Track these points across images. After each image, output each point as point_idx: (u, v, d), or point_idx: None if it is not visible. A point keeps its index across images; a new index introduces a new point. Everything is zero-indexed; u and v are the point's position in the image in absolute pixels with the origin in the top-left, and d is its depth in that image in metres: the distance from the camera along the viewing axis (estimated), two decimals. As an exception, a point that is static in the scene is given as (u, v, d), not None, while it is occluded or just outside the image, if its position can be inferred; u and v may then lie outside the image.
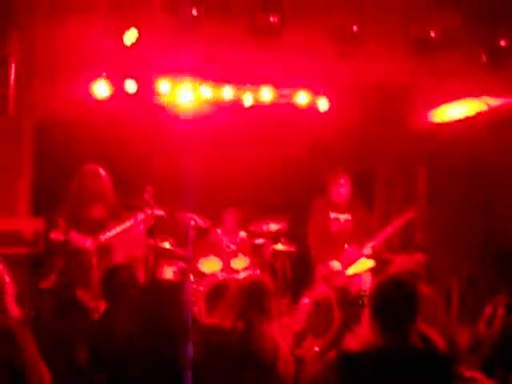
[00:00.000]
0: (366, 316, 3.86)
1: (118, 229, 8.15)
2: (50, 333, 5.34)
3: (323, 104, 9.90)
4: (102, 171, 8.17)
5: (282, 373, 4.52)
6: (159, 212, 8.50)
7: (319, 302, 5.31)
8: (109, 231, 8.11)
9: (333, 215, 8.50)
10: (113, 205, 8.19)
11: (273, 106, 9.80)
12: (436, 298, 5.39)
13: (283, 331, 4.80)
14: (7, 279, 4.44)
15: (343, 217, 8.53)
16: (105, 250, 7.97)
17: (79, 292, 5.85)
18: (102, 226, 8.11)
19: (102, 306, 6.14)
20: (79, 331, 5.50)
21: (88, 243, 7.95)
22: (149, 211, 8.29)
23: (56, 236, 9.03)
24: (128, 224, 8.22)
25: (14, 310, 4.41)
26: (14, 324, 4.32)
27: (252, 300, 4.58)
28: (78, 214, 8.05)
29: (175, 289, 4.62)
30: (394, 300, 3.75)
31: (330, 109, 9.86)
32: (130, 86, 9.33)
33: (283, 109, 9.90)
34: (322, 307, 5.27)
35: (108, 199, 8.16)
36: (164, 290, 4.58)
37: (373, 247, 8.45)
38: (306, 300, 5.80)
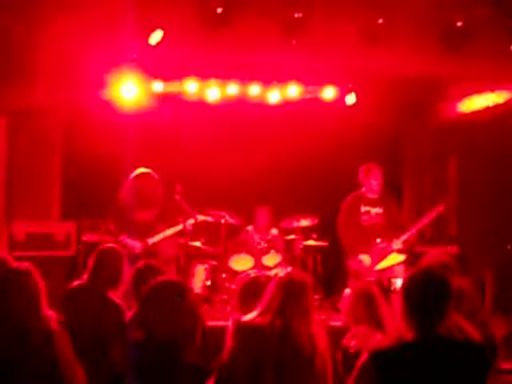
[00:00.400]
0: (398, 309, 3.82)
1: (167, 233, 8.24)
2: (83, 332, 5.35)
3: (351, 98, 9.85)
4: (153, 175, 8.24)
5: (319, 370, 4.49)
6: (205, 217, 8.58)
7: (361, 293, 5.26)
8: (157, 235, 8.20)
9: (364, 209, 8.45)
10: (163, 209, 8.26)
11: (300, 102, 9.76)
12: (472, 290, 5.33)
13: (320, 327, 4.75)
14: (41, 283, 4.46)
15: (374, 210, 8.47)
16: (151, 253, 8.06)
17: (111, 291, 5.86)
18: (150, 230, 8.20)
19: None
20: (113, 330, 5.53)
21: (137, 246, 8.06)
22: (198, 216, 8.36)
23: (88, 238, 9.15)
24: (177, 229, 8.30)
25: (51, 313, 4.43)
26: (51, 326, 4.35)
27: (290, 296, 4.54)
28: (128, 217, 8.14)
29: (182, 289, 4.56)
30: (427, 291, 3.69)
31: (358, 102, 9.80)
32: (158, 86, 9.36)
33: (310, 104, 9.86)
34: (364, 298, 5.22)
35: (158, 203, 8.23)
36: (169, 290, 4.51)
37: (404, 241, 8.40)
38: (347, 291, 5.77)
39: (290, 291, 4.55)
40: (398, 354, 3.66)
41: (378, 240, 8.32)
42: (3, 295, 4.36)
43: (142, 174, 8.27)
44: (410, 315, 3.71)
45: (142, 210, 8.19)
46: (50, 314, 4.41)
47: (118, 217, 8.18)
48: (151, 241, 8.19)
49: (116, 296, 5.88)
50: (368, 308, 5.14)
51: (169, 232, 8.28)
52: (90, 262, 6.05)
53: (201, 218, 8.48)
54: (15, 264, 4.60)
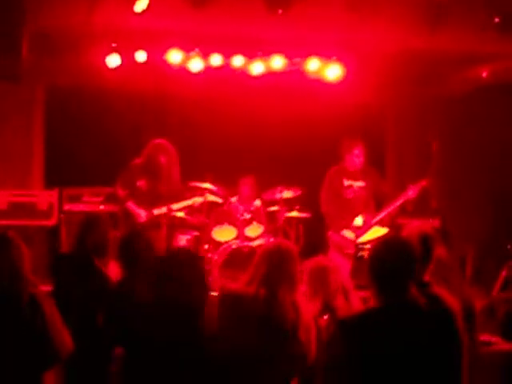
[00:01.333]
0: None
1: (174, 207, 8.35)
2: (68, 299, 5.39)
3: (335, 71, 9.81)
4: (171, 147, 8.26)
5: (303, 340, 4.52)
6: (215, 199, 8.75)
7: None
8: (163, 207, 8.23)
9: (346, 182, 8.49)
10: (175, 182, 8.29)
11: (284, 73, 9.72)
12: (451, 261, 5.37)
13: (304, 298, 4.78)
14: (25, 250, 4.48)
15: (357, 184, 8.50)
16: (155, 223, 8.11)
17: (97, 259, 5.89)
18: (158, 201, 8.26)
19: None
20: (98, 298, 5.55)
21: (142, 215, 8.13)
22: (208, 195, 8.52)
23: (70, 207, 9.15)
24: (184, 204, 8.38)
25: (34, 279, 4.45)
26: (36, 291, 4.37)
27: (275, 265, 4.56)
28: (140, 185, 8.21)
29: (194, 257, 4.60)
30: (387, 261, 3.71)
31: (345, 76, 9.77)
32: (141, 56, 9.30)
33: (295, 77, 9.83)
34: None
35: (172, 176, 8.29)
36: (183, 258, 4.56)
37: (386, 215, 8.45)
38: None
39: (275, 260, 4.57)
40: (363, 321, 3.69)
41: (360, 217, 8.37)
42: None
43: (160, 144, 8.29)
44: (374, 283, 3.73)
45: (155, 180, 8.26)
46: (34, 280, 4.44)
47: (128, 183, 8.25)
48: (157, 212, 8.27)
49: (102, 264, 5.91)
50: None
51: (175, 206, 8.35)
52: (77, 230, 6.08)
53: (211, 197, 8.56)
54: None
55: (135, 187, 8.28)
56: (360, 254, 7.76)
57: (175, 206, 8.40)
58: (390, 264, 3.70)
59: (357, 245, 7.91)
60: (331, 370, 3.93)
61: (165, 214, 8.47)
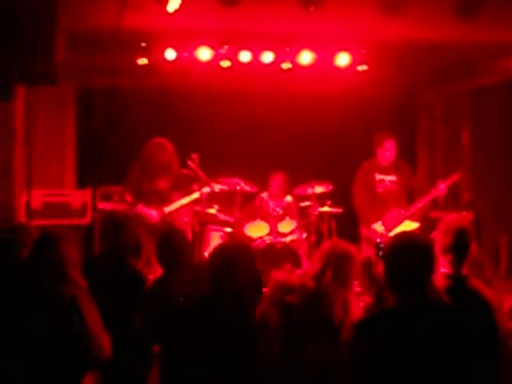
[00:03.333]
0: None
1: (183, 201, 8.29)
2: (104, 300, 5.41)
3: (365, 66, 9.79)
4: (168, 144, 8.27)
5: (346, 340, 4.50)
6: (222, 186, 8.64)
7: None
8: (173, 203, 8.26)
9: (378, 177, 8.47)
10: (178, 177, 8.31)
11: (314, 68, 9.72)
12: (482, 256, 5.35)
13: (357, 301, 4.78)
14: (71, 250, 4.52)
15: (388, 178, 8.49)
16: (168, 222, 8.13)
17: (131, 260, 5.91)
18: (166, 198, 8.27)
19: (154, 273, 6.26)
20: (134, 298, 5.59)
21: (154, 215, 8.13)
22: (214, 185, 8.43)
23: (103, 206, 9.22)
24: (193, 197, 8.35)
25: (80, 279, 4.49)
26: (79, 292, 4.40)
27: (330, 263, 4.57)
28: (144, 186, 8.22)
29: (244, 250, 4.60)
30: (403, 259, 3.64)
31: (374, 69, 9.75)
32: (170, 54, 9.34)
33: (325, 71, 9.82)
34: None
35: (174, 172, 8.28)
36: (233, 251, 4.54)
37: (418, 209, 8.43)
38: None
39: (330, 258, 4.58)
40: (380, 322, 3.61)
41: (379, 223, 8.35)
42: (37, 260, 4.44)
43: (157, 142, 8.31)
44: (390, 282, 3.69)
45: (158, 178, 8.25)
46: (79, 280, 4.48)
47: (134, 186, 8.25)
48: (167, 209, 8.26)
49: (136, 265, 5.94)
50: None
51: (185, 200, 8.35)
52: (110, 231, 6.11)
53: (217, 186, 8.53)
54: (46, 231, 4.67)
55: (140, 189, 8.24)
56: (381, 253, 7.71)
57: (184, 201, 8.36)
58: (406, 262, 3.63)
59: (377, 244, 7.87)
60: (349, 372, 3.85)
61: (197, 212, 8.51)
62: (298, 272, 4.73)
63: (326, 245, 4.74)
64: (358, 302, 4.73)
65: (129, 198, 8.29)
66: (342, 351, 4.27)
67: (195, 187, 8.39)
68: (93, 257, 6.57)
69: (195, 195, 8.37)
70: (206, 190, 8.40)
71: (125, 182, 8.40)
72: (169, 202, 8.31)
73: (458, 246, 4.52)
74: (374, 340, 3.53)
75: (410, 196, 8.58)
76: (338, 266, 4.54)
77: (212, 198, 8.67)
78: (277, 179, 9.42)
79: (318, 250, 4.72)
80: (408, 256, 3.63)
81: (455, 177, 8.36)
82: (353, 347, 3.73)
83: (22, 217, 8.09)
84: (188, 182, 8.42)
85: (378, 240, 7.95)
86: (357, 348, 3.63)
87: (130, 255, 5.92)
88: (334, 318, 4.40)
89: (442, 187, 8.24)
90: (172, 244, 5.60)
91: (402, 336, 3.49)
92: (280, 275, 4.73)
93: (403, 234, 4.19)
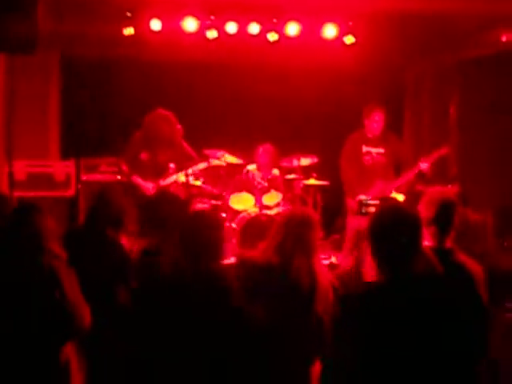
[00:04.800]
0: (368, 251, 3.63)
1: (180, 176, 8.24)
2: (85, 274, 5.33)
3: (351, 37, 9.70)
4: (171, 116, 8.19)
5: (320, 310, 4.46)
6: (219, 162, 8.63)
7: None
8: (169, 177, 8.19)
9: (365, 149, 8.42)
10: (179, 151, 8.23)
11: (300, 40, 9.62)
12: (485, 222, 5.31)
13: (323, 265, 4.73)
14: (50, 221, 4.46)
15: (376, 150, 8.43)
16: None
17: (112, 232, 5.79)
18: (163, 171, 8.22)
19: (137, 244, 6.17)
20: (117, 271, 5.52)
21: (150, 188, 8.07)
22: (211, 160, 8.38)
23: (88, 177, 9.14)
24: (190, 171, 8.28)
25: (58, 250, 4.43)
26: (58, 263, 4.35)
27: (291, 233, 4.52)
28: (143, 157, 8.13)
29: (213, 215, 4.56)
30: (388, 231, 3.52)
31: (360, 41, 9.66)
32: (156, 24, 9.22)
33: (311, 43, 9.73)
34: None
35: (174, 145, 8.20)
36: (203, 216, 4.49)
37: (403, 182, 8.40)
38: None
39: (291, 227, 4.52)
40: (366, 297, 3.51)
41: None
42: (14, 231, 4.38)
43: (161, 114, 8.21)
44: (376, 255, 3.55)
45: (159, 150, 8.18)
46: (59, 251, 4.43)
47: (132, 157, 8.19)
48: (163, 183, 8.21)
49: (117, 236, 5.84)
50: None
51: (181, 175, 8.29)
52: (91, 202, 6.02)
53: (214, 162, 8.48)
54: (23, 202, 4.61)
55: (138, 160, 8.17)
56: (364, 210, 7.67)
57: (181, 175, 8.33)
58: (391, 232, 3.51)
59: (360, 201, 7.81)
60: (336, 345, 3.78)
61: (182, 184, 8.44)
62: (261, 245, 4.63)
63: (286, 214, 4.69)
64: (324, 266, 4.69)
65: (125, 168, 8.24)
66: (315, 319, 4.27)
67: (189, 162, 8.33)
68: (73, 229, 6.47)
69: (195, 168, 8.31)
70: (203, 165, 8.36)
71: (123, 151, 8.31)
72: (165, 175, 8.26)
73: (441, 219, 4.48)
74: (363, 317, 3.44)
75: (397, 168, 8.53)
76: (298, 234, 4.49)
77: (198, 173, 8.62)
78: (265, 151, 9.35)
79: (278, 220, 4.67)
80: (395, 228, 3.51)
81: (442, 151, 8.30)
82: (340, 323, 3.65)
83: (4, 187, 8.01)
84: (191, 158, 8.38)
85: (361, 197, 7.93)
86: (345, 324, 3.54)
87: (111, 226, 5.80)
88: (302, 287, 4.36)
89: (424, 165, 8.18)
90: (162, 207, 5.51)
91: (393, 312, 3.40)
92: (244, 252, 4.69)
93: (389, 204, 4.10)
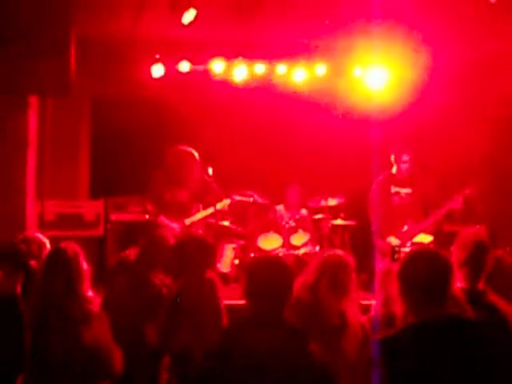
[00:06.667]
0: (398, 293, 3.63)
1: (204, 213, 8.26)
2: (120, 312, 5.35)
3: (380, 79, 9.74)
4: (191, 154, 8.21)
5: (348, 348, 4.47)
6: (242, 198, 8.62)
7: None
8: (193, 215, 8.20)
9: (394, 189, 8.42)
10: (199, 188, 8.25)
11: (327, 80, 9.69)
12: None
13: (356, 307, 4.74)
14: (85, 265, 4.49)
15: (404, 191, 8.43)
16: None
17: (151, 271, 5.82)
18: (186, 210, 8.21)
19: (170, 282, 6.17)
20: (149, 309, 5.54)
21: (176, 227, 8.06)
22: (235, 197, 8.38)
23: (116, 217, 9.19)
24: (213, 209, 8.30)
25: (92, 295, 4.45)
26: (90, 307, 4.38)
27: (325, 273, 4.55)
28: (166, 196, 8.15)
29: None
30: (419, 273, 3.51)
31: (388, 83, 9.72)
32: (184, 66, 9.33)
33: (337, 83, 9.79)
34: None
35: (195, 182, 8.23)
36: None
37: (432, 223, 8.37)
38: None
39: (325, 268, 4.56)
40: (401, 338, 3.47)
41: (406, 225, 8.29)
42: (49, 274, 4.41)
43: (181, 151, 8.24)
44: (407, 297, 3.56)
45: (180, 189, 8.20)
46: (92, 297, 4.44)
47: (155, 197, 8.21)
48: (188, 221, 8.21)
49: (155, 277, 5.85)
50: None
51: (205, 212, 8.30)
52: (140, 244, 5.99)
53: (238, 197, 8.50)
54: (62, 244, 4.60)
55: (163, 199, 8.17)
56: (397, 257, 7.69)
57: (204, 213, 8.31)
58: (423, 276, 3.51)
59: (393, 247, 7.83)
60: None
61: (211, 224, 8.47)
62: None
63: (322, 256, 4.72)
64: (357, 309, 4.69)
65: (151, 207, 8.24)
66: (346, 357, 4.25)
67: (212, 200, 8.34)
68: (115, 267, 6.48)
69: (219, 206, 8.32)
70: (227, 201, 8.38)
71: (147, 191, 8.34)
72: (189, 214, 8.24)
73: (474, 261, 4.48)
74: (399, 357, 3.41)
75: (425, 208, 8.51)
76: (333, 275, 4.51)
77: (226, 211, 8.65)
78: (293, 191, 9.39)
79: (312, 261, 4.71)
80: (426, 270, 3.52)
81: (467, 190, 8.29)
82: (379, 364, 3.63)
83: (34, 228, 8.07)
84: (205, 195, 8.39)
85: (393, 241, 7.95)
86: (383, 364, 3.49)
87: (151, 269, 5.81)
88: (330, 327, 4.37)
89: (455, 202, 8.18)
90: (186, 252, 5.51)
91: (428, 352, 3.38)
92: None
93: (420, 247, 4.10)
